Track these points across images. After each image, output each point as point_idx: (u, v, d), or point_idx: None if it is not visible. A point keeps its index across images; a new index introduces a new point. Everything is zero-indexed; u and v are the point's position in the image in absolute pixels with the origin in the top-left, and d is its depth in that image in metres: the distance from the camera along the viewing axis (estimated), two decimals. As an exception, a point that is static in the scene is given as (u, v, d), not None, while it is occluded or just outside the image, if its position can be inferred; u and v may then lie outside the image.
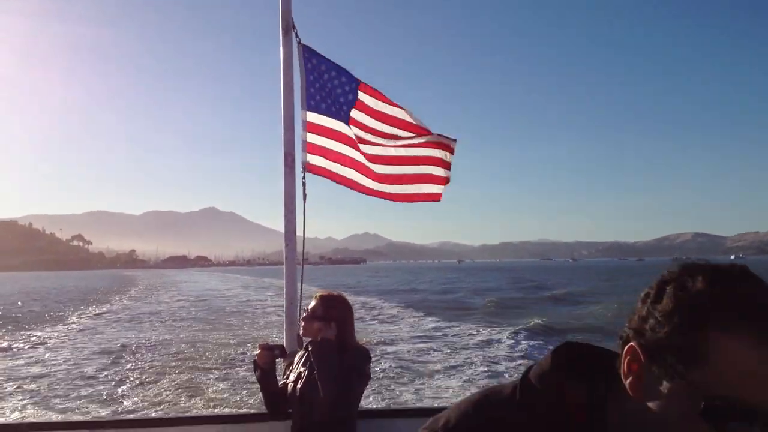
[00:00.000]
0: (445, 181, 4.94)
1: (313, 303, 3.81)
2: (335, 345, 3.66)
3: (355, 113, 4.90)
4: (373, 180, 4.96)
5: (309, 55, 4.72)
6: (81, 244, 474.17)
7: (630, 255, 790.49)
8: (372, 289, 64.66)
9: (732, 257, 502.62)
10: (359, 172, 4.95)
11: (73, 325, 31.45)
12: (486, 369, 16.99)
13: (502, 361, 18.23)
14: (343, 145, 4.90)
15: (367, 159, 4.94)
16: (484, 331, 25.24)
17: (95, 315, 37.71)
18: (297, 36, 4.66)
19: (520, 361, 18.00)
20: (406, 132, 4.89)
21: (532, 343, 21.70)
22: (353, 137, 4.88)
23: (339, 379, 3.51)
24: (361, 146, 4.92)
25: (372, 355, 3.84)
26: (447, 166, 4.91)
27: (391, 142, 4.89)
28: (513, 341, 22.07)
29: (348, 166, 4.93)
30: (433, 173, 4.93)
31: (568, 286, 64.70)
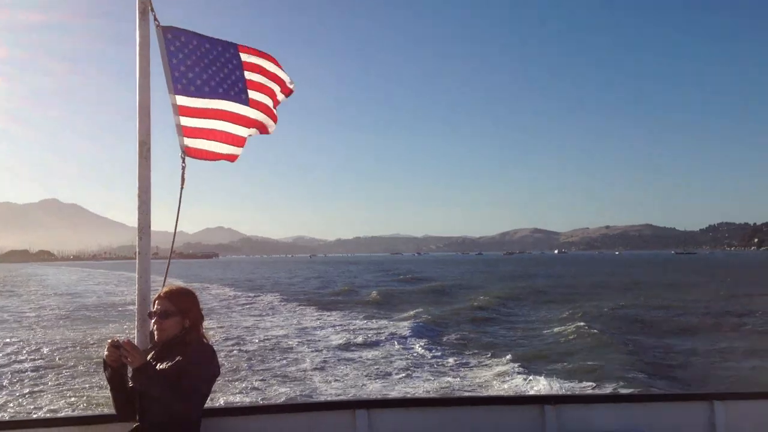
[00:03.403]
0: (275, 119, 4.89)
1: (159, 301, 3.78)
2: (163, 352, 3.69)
3: (250, 75, 4.66)
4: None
5: (173, 36, 4.30)
6: None
7: (473, 249, 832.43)
8: (246, 283, 66.28)
9: (555, 251, 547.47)
10: (240, 147, 4.69)
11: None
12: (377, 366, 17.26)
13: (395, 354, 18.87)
14: (222, 122, 4.54)
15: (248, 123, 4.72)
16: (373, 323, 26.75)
17: None
18: (156, 19, 4.24)
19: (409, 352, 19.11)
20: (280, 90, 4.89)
21: (420, 335, 22.75)
22: (239, 113, 4.61)
23: (174, 378, 3.50)
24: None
25: (219, 349, 4.21)
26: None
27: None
28: (400, 333, 23.17)
29: (228, 143, 4.60)
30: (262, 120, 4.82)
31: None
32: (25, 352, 20.50)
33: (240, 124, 4.65)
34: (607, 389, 14.08)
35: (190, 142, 4.46)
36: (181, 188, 4.36)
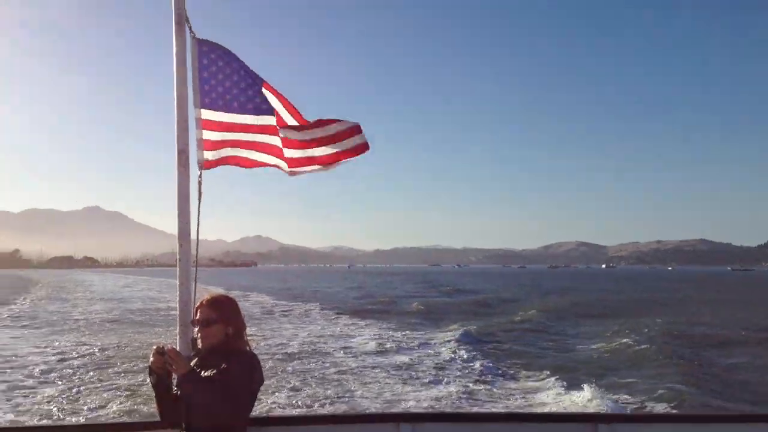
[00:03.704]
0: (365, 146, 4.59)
1: (202, 309, 3.77)
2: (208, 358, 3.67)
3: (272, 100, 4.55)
4: (289, 158, 4.63)
5: (207, 49, 4.39)
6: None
7: (516, 262, 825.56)
8: (289, 293, 63.10)
9: (603, 266, 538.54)
10: (272, 155, 4.65)
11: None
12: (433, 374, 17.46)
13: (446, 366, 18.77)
14: (251, 134, 4.58)
15: (283, 144, 4.61)
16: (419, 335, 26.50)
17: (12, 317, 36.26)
18: (191, 30, 4.33)
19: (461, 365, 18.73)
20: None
21: (467, 347, 22.43)
22: (271, 125, 4.54)
23: (219, 386, 3.48)
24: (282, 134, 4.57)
25: (262, 359, 3.84)
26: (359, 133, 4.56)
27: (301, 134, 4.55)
28: (445, 347, 22.77)
29: (262, 152, 4.63)
30: (350, 146, 4.56)
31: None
32: (74, 354, 21.01)
33: (271, 134, 4.63)
34: (662, 408, 13.73)
35: (209, 155, 4.56)
36: (199, 200, 4.42)
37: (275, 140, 4.64)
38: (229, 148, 4.62)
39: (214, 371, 3.59)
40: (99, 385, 15.97)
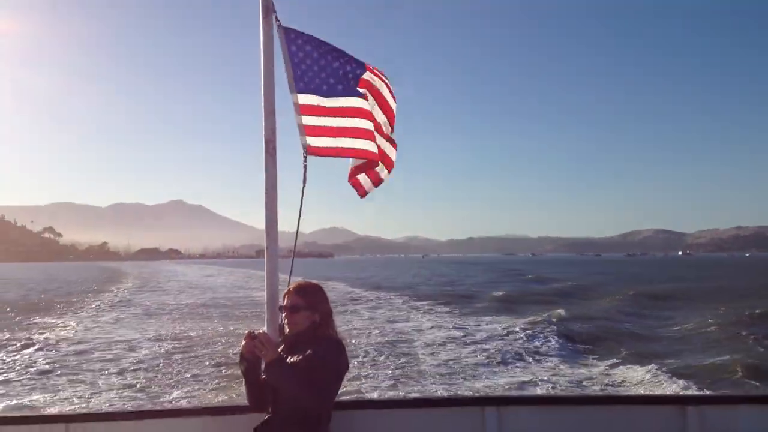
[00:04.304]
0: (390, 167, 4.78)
1: (289, 295, 3.87)
2: (296, 341, 3.79)
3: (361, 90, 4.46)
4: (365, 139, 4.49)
5: (294, 36, 4.36)
6: (51, 236, 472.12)
7: (593, 250, 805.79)
8: (374, 282, 63.75)
9: (680, 253, 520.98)
10: (370, 140, 4.48)
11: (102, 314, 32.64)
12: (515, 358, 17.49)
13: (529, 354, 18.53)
14: (347, 119, 4.42)
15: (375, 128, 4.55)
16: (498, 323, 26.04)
17: (111, 306, 38.27)
18: (277, 19, 4.31)
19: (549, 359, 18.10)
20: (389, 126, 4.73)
21: (553, 334, 22.13)
22: (362, 108, 4.45)
23: (305, 372, 3.55)
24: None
25: (347, 345, 3.86)
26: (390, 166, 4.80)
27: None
28: (531, 332, 22.64)
29: (358, 137, 4.44)
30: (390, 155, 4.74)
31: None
32: (168, 339, 22.02)
33: (363, 118, 4.50)
34: (751, 390, 13.44)
35: (312, 141, 4.40)
36: (303, 186, 4.33)
37: (369, 125, 4.51)
38: (329, 138, 4.44)
39: (300, 357, 3.67)
40: (188, 370, 16.50)
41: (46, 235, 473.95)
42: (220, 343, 20.70)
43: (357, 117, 4.46)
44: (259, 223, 4.24)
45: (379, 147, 4.58)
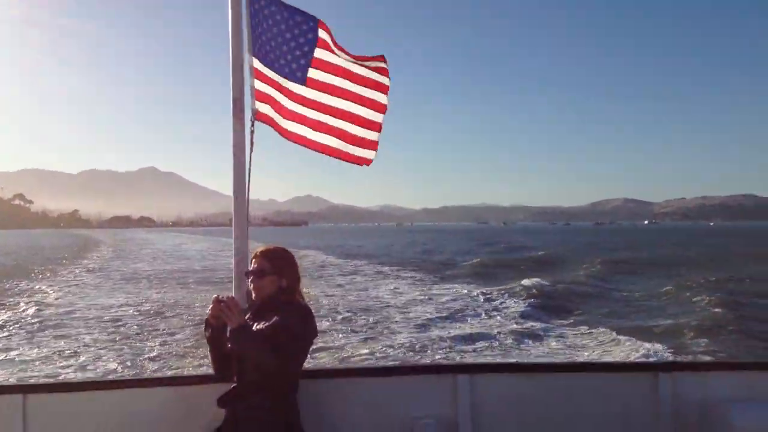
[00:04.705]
0: (376, 145, 4.49)
1: (256, 259, 3.75)
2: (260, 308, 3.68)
3: (313, 72, 4.31)
4: (316, 131, 4.41)
5: None
6: (22, 203, 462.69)
7: (563, 219, 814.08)
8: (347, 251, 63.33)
9: (646, 222, 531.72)
10: (307, 127, 4.38)
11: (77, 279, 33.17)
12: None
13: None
14: (291, 102, 4.33)
15: (317, 110, 4.39)
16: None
17: (88, 271, 39.29)
18: None
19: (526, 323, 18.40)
20: (365, 89, 4.43)
21: (527, 301, 22.75)
22: (305, 96, 4.34)
23: (271, 338, 3.45)
24: (316, 102, 4.38)
25: (316, 312, 3.88)
26: (378, 128, 4.47)
27: (346, 103, 4.40)
28: (502, 299, 23.21)
29: (297, 122, 4.38)
30: (368, 137, 4.45)
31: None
32: (132, 310, 21.29)
33: (298, 102, 4.36)
34: (724, 357, 13.56)
35: (261, 107, 4.26)
36: (250, 152, 4.03)
37: (309, 112, 4.40)
38: (273, 110, 4.34)
39: (266, 324, 3.56)
40: (158, 337, 16.34)
41: (17, 202, 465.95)
42: (187, 311, 20.67)
43: (298, 103, 4.36)
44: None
45: (342, 134, 4.42)
